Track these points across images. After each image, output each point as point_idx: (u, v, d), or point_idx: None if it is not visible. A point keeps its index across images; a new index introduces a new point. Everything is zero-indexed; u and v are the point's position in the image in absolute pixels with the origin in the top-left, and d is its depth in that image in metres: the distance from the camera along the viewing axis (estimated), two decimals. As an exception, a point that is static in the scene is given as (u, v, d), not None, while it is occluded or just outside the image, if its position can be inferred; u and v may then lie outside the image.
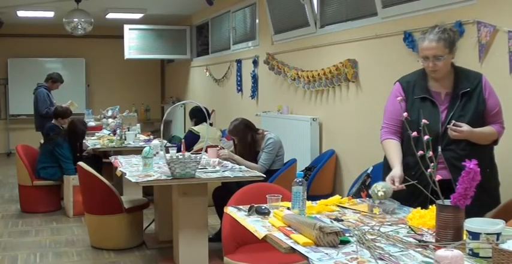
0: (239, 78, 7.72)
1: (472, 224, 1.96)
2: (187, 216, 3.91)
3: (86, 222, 4.95)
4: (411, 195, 2.81)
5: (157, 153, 4.64)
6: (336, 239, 2.05)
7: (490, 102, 2.87)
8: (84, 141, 6.27)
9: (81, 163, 4.80)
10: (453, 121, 2.74)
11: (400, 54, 4.26)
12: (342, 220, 2.47)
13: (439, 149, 2.67)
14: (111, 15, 9.43)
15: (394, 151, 2.91)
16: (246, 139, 4.77)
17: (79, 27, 8.01)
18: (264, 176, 4.06)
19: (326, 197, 2.96)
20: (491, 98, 2.87)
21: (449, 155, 2.75)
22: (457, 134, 2.72)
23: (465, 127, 2.72)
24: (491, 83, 3.35)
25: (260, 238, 2.27)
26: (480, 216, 2.28)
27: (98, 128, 7.65)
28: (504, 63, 3.33)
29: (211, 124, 6.70)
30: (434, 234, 2.12)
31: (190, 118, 6.57)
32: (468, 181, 1.98)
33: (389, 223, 2.41)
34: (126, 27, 9.68)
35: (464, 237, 1.98)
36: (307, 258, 1.95)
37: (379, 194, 2.63)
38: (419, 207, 2.56)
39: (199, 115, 6.23)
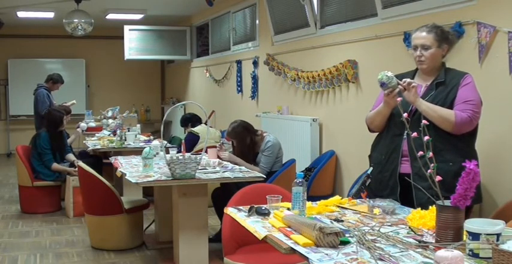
0: (239, 79, 7.72)
1: (472, 224, 1.96)
2: (187, 216, 3.91)
3: (86, 223, 4.95)
4: (379, 183, 3.05)
5: (157, 153, 4.64)
6: (336, 240, 2.05)
7: (461, 91, 2.91)
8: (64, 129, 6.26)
9: (81, 164, 4.80)
10: (405, 79, 2.92)
11: (400, 54, 4.26)
12: (342, 221, 2.47)
13: (405, 133, 2.91)
14: (111, 16, 9.43)
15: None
16: (244, 141, 4.77)
17: (79, 27, 8.02)
18: (264, 176, 4.06)
19: (326, 197, 2.96)
20: (464, 90, 2.91)
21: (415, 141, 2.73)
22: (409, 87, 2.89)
23: (414, 87, 2.88)
24: (490, 83, 3.36)
25: (260, 239, 2.27)
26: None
27: (98, 129, 7.66)
28: (504, 64, 3.33)
29: (205, 123, 6.73)
30: (434, 234, 2.13)
31: (184, 126, 6.64)
32: (468, 182, 1.98)
33: (389, 224, 2.41)
34: (126, 27, 9.69)
35: (464, 237, 1.99)
36: (307, 258, 1.95)
37: (388, 74, 2.88)
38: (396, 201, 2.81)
39: (193, 119, 6.46)
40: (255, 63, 7.13)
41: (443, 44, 2.96)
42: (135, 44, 9.75)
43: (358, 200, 2.90)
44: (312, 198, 2.85)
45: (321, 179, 5.12)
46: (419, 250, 2.00)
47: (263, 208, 2.59)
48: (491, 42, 3.43)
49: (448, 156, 2.83)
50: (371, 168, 3.17)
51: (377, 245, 2.06)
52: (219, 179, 3.88)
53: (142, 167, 4.07)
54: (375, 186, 3.09)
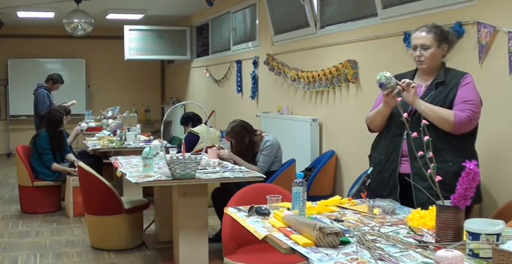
0: (239, 79, 7.72)
1: (472, 224, 1.96)
2: (187, 216, 3.91)
3: (86, 223, 4.95)
4: (379, 183, 3.06)
5: (157, 153, 4.64)
6: (336, 240, 2.05)
7: (461, 91, 2.90)
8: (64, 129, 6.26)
9: (81, 164, 4.80)
10: (404, 80, 2.92)
11: (400, 54, 4.26)
12: (342, 221, 2.47)
13: (405, 133, 2.92)
14: (111, 16, 9.43)
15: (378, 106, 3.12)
16: (243, 141, 4.77)
17: (79, 27, 8.01)
18: (264, 176, 4.06)
19: (326, 197, 2.96)
20: (464, 90, 2.91)
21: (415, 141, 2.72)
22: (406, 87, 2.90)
23: (414, 88, 2.88)
24: (490, 83, 3.36)
25: (260, 239, 2.27)
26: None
27: (98, 129, 7.65)
28: (504, 64, 3.33)
29: (205, 123, 6.74)
30: (434, 234, 2.13)
31: (185, 124, 6.64)
32: (468, 182, 1.98)
33: (389, 224, 2.41)
34: (126, 27, 9.69)
35: (464, 237, 1.99)
36: (307, 258, 1.95)
37: (387, 74, 2.87)
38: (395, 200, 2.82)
39: (194, 118, 6.48)
40: (255, 63, 7.13)
41: (443, 43, 2.96)
42: (135, 44, 9.75)
43: (358, 200, 2.90)
44: (312, 198, 2.85)
45: (321, 179, 5.12)
46: (419, 250, 2.00)
47: (263, 208, 2.59)
48: (491, 42, 3.43)
49: (448, 156, 2.83)
50: (371, 168, 3.17)
51: (377, 245, 2.06)
52: (219, 179, 3.88)
53: (142, 167, 4.07)
54: (375, 186, 3.09)
